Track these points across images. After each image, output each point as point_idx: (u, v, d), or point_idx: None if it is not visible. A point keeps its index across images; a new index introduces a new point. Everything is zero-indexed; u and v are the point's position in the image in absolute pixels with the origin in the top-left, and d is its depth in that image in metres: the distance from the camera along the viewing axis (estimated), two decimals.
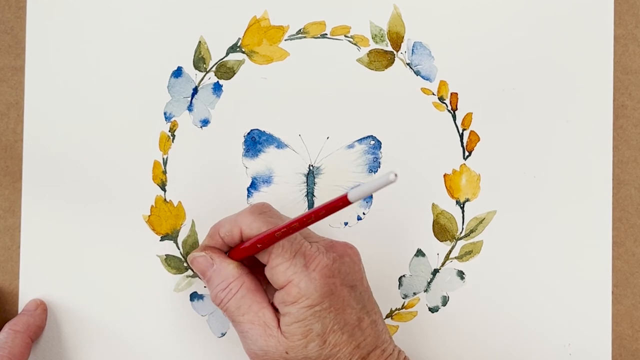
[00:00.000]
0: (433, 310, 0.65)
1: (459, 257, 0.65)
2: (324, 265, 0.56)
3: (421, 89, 0.65)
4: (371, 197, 0.65)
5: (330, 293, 0.56)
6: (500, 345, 0.65)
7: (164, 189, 0.65)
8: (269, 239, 0.56)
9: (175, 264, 0.65)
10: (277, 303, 0.57)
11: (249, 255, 0.58)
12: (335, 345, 0.57)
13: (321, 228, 0.64)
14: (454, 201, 0.65)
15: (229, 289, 0.58)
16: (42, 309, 0.64)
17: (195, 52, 0.65)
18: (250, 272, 0.59)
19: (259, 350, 0.58)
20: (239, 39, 0.65)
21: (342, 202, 0.50)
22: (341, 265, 0.57)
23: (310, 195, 0.65)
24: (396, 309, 0.65)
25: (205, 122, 0.65)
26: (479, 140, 0.65)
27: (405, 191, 0.65)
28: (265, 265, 0.58)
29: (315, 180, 0.65)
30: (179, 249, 0.65)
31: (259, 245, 0.57)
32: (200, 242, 0.64)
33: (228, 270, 0.58)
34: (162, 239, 0.65)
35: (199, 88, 0.65)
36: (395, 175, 0.46)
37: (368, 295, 0.59)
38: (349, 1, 0.65)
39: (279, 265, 0.56)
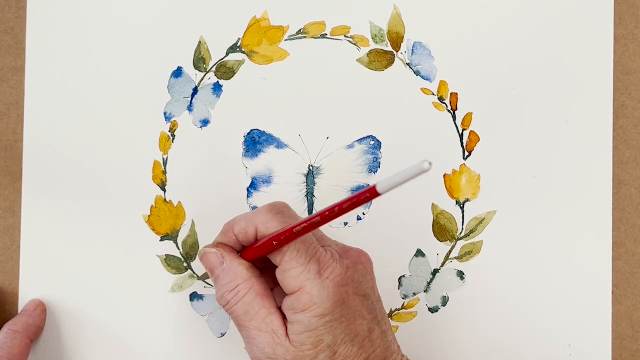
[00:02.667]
0: (433, 310, 0.65)
1: (459, 258, 0.65)
2: (338, 274, 0.54)
3: (421, 89, 0.65)
4: None
5: (342, 302, 0.54)
6: (500, 345, 0.65)
7: (164, 189, 0.65)
8: (287, 236, 0.53)
9: (175, 264, 0.65)
10: (285, 309, 0.55)
11: (262, 256, 0.56)
12: (345, 357, 0.54)
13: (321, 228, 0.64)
14: (454, 201, 0.65)
15: (236, 291, 0.55)
16: (41, 310, 0.63)
17: (195, 52, 0.65)
18: (261, 275, 0.57)
19: (266, 358, 0.55)
20: (239, 39, 0.65)
21: (370, 194, 0.46)
22: (354, 273, 0.55)
23: (310, 195, 0.65)
24: (396, 309, 0.65)
25: (205, 122, 0.65)
26: (479, 140, 0.65)
27: (405, 191, 0.65)
28: (276, 268, 0.56)
29: (315, 180, 0.65)
30: (179, 249, 0.65)
31: (275, 243, 0.54)
32: (200, 242, 0.64)
33: (238, 270, 0.56)
34: (162, 239, 0.65)
35: (199, 88, 0.65)
36: (430, 164, 0.43)
37: (380, 305, 0.57)
38: (349, 1, 0.65)
39: (292, 270, 0.54)
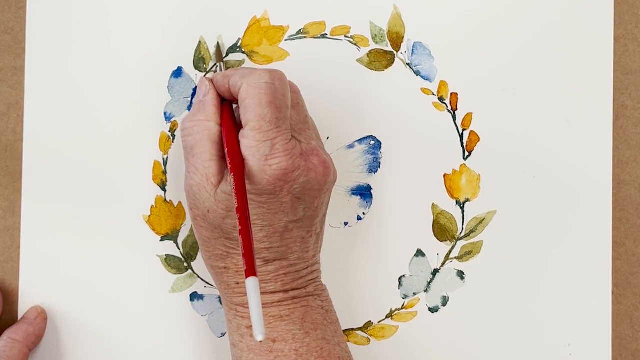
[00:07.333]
0: (433, 310, 0.65)
1: (459, 257, 0.65)
2: (282, 168, 0.55)
3: (421, 89, 0.65)
4: (371, 196, 0.65)
5: (271, 192, 0.56)
6: (500, 345, 0.65)
7: (164, 189, 0.65)
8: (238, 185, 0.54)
9: (175, 264, 0.65)
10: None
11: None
12: None
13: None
14: (454, 201, 0.65)
15: (196, 123, 0.58)
16: (42, 318, 0.63)
17: (195, 52, 0.65)
18: (234, 126, 0.58)
19: (191, 193, 0.58)
20: (239, 39, 0.65)
21: None
22: (301, 177, 0.56)
23: None
24: (396, 309, 0.65)
25: None
26: (479, 140, 0.65)
27: (405, 191, 0.65)
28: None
29: None
30: (179, 249, 0.65)
31: (226, 150, 0.56)
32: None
33: (210, 109, 0.58)
34: (162, 239, 0.65)
35: None
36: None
37: (315, 217, 0.58)
38: (349, 1, 0.65)
39: (246, 139, 0.56)
